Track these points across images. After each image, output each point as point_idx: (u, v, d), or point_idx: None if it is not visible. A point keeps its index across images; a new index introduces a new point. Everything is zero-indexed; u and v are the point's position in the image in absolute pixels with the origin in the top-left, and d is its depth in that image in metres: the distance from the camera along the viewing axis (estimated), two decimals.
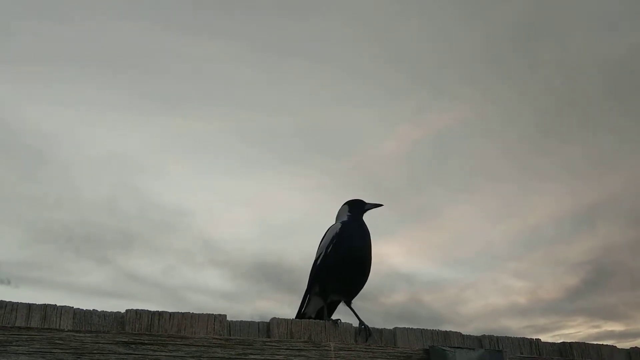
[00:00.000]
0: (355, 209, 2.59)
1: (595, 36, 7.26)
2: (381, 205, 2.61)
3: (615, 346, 2.55)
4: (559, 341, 2.46)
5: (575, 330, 8.67)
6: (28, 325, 1.61)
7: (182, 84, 7.45)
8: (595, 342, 2.50)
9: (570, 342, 2.43)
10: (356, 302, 2.37)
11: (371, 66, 7.74)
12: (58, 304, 1.70)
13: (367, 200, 2.63)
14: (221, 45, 7.37)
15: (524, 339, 2.35)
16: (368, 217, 2.55)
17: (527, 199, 8.36)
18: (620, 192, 8.04)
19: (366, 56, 7.73)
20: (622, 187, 7.98)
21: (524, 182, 8.27)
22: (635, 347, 2.58)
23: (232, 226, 8.10)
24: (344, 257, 2.34)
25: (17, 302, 1.65)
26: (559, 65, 7.59)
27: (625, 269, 8.38)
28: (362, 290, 2.39)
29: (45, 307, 1.68)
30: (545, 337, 2.43)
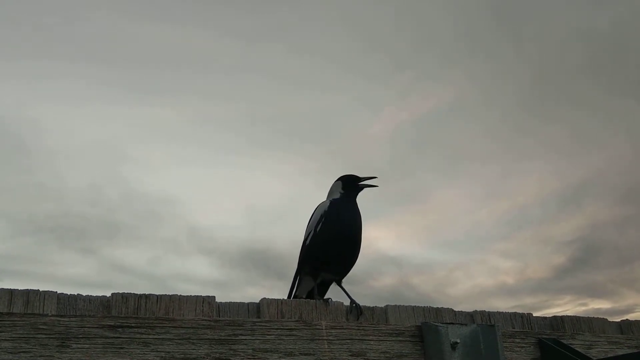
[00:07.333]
0: (349, 185, 2.51)
1: (577, 11, 7.25)
2: (375, 180, 2.54)
3: (607, 319, 2.55)
4: (550, 315, 2.46)
5: (562, 309, 8.77)
6: (10, 311, 1.57)
7: (165, 73, 7.37)
8: (586, 316, 2.50)
9: (561, 316, 2.43)
10: (345, 285, 2.35)
11: (351, 51, 7.72)
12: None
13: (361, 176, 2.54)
14: (202, 34, 7.30)
15: (515, 313, 2.34)
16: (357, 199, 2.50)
17: (513, 179, 8.40)
18: (605, 169, 8.10)
19: (345, 41, 7.69)
20: (607, 164, 8.03)
21: (509, 162, 8.30)
22: (626, 319, 2.59)
23: (219, 214, 8.06)
24: (334, 235, 2.30)
25: None
26: (541, 42, 7.58)
27: (612, 246, 8.47)
28: (351, 273, 2.37)
29: (27, 292, 1.63)
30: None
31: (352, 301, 2.12)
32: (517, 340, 2.19)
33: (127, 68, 7.15)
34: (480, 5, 7.46)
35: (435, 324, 2.01)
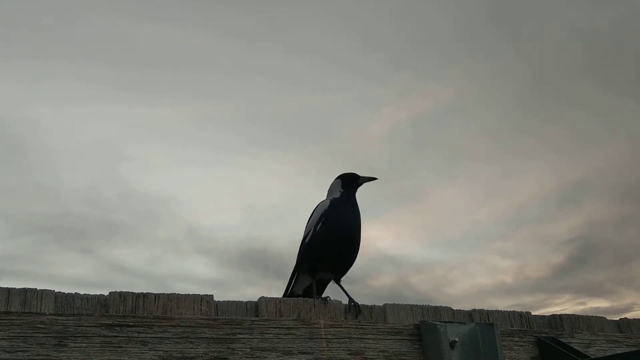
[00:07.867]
0: (348, 183, 2.51)
1: (577, 11, 7.25)
2: (375, 178, 2.54)
3: (605, 317, 2.54)
4: (549, 314, 2.45)
5: (561, 308, 8.75)
6: (8, 310, 1.56)
7: (165, 73, 7.37)
8: (585, 315, 2.49)
9: (560, 315, 2.42)
10: (343, 283, 2.34)
11: (351, 51, 7.71)
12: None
13: (360, 174, 2.54)
14: (202, 34, 7.29)
15: (514, 312, 2.34)
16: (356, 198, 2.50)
17: (512, 178, 8.38)
18: (604, 168, 8.09)
19: (345, 41, 7.68)
20: (606, 164, 8.02)
21: (508, 162, 8.29)
22: (624, 317, 2.58)
23: (218, 214, 8.05)
24: (334, 235, 2.30)
25: None
26: (541, 42, 7.58)
27: (610, 245, 8.46)
28: (350, 272, 2.36)
29: (25, 291, 1.62)
30: None
31: (351, 300, 2.11)
32: (516, 339, 2.19)
33: (127, 68, 7.15)
34: (479, 5, 7.46)
35: (434, 322, 2.00)
